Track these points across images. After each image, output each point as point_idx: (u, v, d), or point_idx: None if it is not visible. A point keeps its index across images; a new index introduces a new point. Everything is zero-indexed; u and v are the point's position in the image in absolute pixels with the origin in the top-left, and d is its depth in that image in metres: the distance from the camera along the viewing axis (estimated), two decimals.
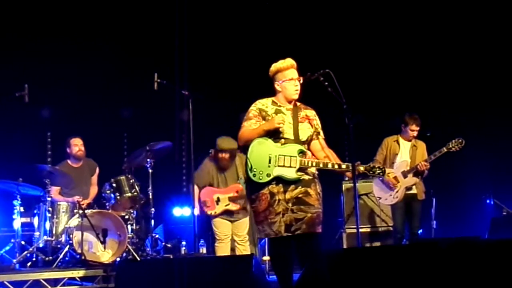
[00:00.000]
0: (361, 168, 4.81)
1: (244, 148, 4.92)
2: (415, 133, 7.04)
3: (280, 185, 4.70)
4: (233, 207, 6.81)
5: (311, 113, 4.97)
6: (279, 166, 4.69)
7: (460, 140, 6.78)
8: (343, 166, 4.78)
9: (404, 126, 7.07)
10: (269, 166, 4.70)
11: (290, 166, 4.70)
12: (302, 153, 4.75)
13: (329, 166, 4.76)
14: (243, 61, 8.88)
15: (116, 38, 8.77)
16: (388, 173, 6.99)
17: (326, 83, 4.79)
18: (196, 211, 6.71)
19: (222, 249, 6.83)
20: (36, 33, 8.46)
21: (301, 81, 4.87)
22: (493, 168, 8.84)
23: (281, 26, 8.92)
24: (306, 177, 4.75)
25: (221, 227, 6.86)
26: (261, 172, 4.70)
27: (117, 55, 8.71)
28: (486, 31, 8.87)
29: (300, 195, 4.69)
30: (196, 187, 6.82)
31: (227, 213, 6.86)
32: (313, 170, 4.82)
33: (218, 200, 6.83)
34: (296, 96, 4.88)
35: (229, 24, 8.96)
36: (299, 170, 4.71)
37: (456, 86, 9.01)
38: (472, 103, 8.91)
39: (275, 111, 4.84)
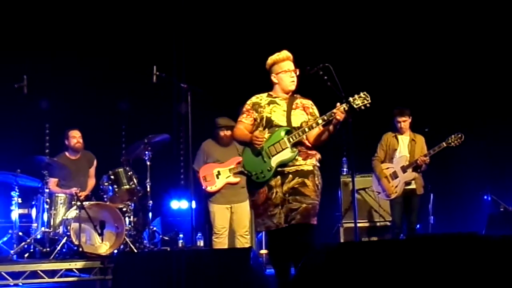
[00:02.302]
0: (344, 107, 4.66)
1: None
2: (402, 124, 7.03)
3: (278, 177, 4.73)
4: (234, 179, 6.80)
5: (308, 102, 4.97)
6: (273, 156, 4.73)
7: (460, 135, 6.78)
8: (325, 117, 4.71)
9: (393, 120, 7.09)
10: (265, 162, 4.74)
11: (283, 149, 4.72)
12: (287, 133, 4.76)
13: (314, 125, 4.74)
14: (242, 54, 8.87)
15: (115, 31, 8.75)
16: (387, 167, 7.05)
17: (326, 77, 4.78)
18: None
19: (220, 244, 6.79)
20: (35, 25, 8.45)
21: (297, 73, 4.89)
22: (490, 164, 8.85)
23: (280, 20, 8.91)
24: (305, 167, 4.76)
25: (219, 218, 6.81)
26: (261, 172, 4.74)
27: (116, 47, 8.70)
28: (483, 28, 8.85)
29: (296, 186, 4.70)
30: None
31: (226, 194, 6.81)
32: (313, 161, 4.82)
33: (218, 174, 6.81)
34: (293, 87, 4.90)
35: (228, 17, 8.95)
36: (293, 146, 4.73)
37: (456, 82, 9.01)
38: (472, 99, 8.91)
39: (268, 102, 4.88)
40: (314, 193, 4.74)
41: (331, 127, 4.71)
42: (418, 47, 9.03)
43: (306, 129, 4.74)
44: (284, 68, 4.88)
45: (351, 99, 4.71)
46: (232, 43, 9.02)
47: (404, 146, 7.07)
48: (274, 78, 4.93)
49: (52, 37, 8.49)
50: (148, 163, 7.31)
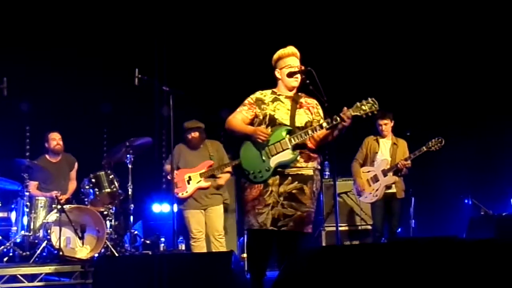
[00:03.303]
0: (350, 111, 4.53)
1: (227, 133, 4.90)
2: (384, 127, 7.08)
3: (277, 176, 4.64)
4: (204, 183, 6.81)
5: (313, 101, 4.87)
6: (273, 155, 4.64)
7: (440, 140, 6.84)
8: (331, 121, 4.56)
9: (375, 123, 7.13)
10: (264, 161, 4.65)
11: (283, 150, 4.63)
12: (289, 132, 4.67)
13: (318, 128, 4.61)
14: (224, 57, 8.86)
15: (97, 33, 8.71)
16: (368, 170, 7.07)
17: (308, 81, 4.71)
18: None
19: (198, 248, 6.79)
20: (16, 27, 8.38)
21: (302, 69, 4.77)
22: (471, 168, 8.92)
23: (262, 22, 8.90)
24: (305, 171, 4.68)
25: (194, 222, 6.81)
26: (259, 171, 4.64)
27: (98, 49, 8.65)
28: (463, 34, 8.93)
29: (294, 191, 4.61)
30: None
31: (199, 198, 6.81)
32: (314, 164, 4.74)
33: (189, 179, 6.83)
34: (296, 84, 4.80)
35: (210, 20, 8.93)
36: (295, 148, 4.64)
37: (438, 87, 9.07)
38: (453, 103, 8.98)
39: (272, 100, 4.79)
40: (310, 201, 4.66)
41: (336, 131, 4.60)
42: (400, 52, 9.07)
43: (310, 132, 4.62)
44: (288, 64, 4.80)
45: (358, 104, 4.57)
46: (214, 46, 9.01)
47: (386, 150, 7.10)
48: (277, 73, 4.84)
49: (32, 39, 8.43)
50: (130, 166, 7.29)
